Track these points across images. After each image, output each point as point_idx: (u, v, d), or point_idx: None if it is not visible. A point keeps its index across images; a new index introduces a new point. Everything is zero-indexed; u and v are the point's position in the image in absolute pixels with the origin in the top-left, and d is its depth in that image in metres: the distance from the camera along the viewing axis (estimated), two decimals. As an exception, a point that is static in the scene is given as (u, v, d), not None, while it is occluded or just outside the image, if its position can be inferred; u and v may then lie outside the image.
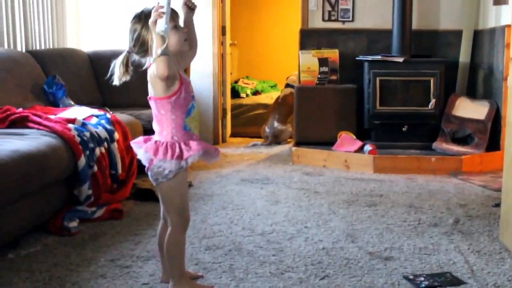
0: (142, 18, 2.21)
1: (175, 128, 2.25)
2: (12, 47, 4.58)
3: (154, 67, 2.14)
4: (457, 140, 5.20)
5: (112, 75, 2.26)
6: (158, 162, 2.24)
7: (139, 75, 2.30)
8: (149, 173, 2.30)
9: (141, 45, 2.22)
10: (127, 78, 2.25)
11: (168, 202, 2.32)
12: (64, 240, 3.07)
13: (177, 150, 2.23)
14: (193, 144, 2.25)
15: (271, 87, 8.32)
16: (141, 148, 2.30)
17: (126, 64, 2.24)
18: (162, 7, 2.08)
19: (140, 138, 2.35)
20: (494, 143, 5.07)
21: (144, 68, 2.29)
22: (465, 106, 5.31)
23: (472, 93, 5.57)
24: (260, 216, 3.57)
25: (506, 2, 4.89)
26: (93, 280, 2.55)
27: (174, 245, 2.34)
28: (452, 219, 3.50)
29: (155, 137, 2.30)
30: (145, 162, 2.30)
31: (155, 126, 2.31)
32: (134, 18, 2.24)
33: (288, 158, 5.46)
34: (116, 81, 2.26)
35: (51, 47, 5.20)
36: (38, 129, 3.40)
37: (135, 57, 2.27)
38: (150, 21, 2.09)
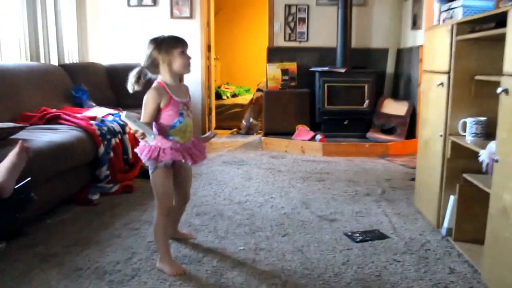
0: (158, 42, 2.08)
1: (160, 136, 2.13)
2: (48, 61, 4.50)
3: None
4: (385, 131, 5.26)
5: (127, 83, 2.11)
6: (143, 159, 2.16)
7: (147, 81, 2.17)
8: None
9: (152, 64, 2.10)
10: (139, 88, 2.09)
11: (153, 189, 2.19)
12: (88, 209, 3.06)
13: (155, 154, 2.12)
14: (169, 151, 2.12)
15: (246, 91, 8.27)
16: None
17: (138, 76, 2.09)
18: (136, 131, 1.93)
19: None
20: (411, 133, 5.13)
21: (152, 79, 2.16)
22: (391, 105, 5.37)
23: (395, 96, 5.63)
24: (237, 189, 3.58)
25: (420, 27, 4.95)
26: (111, 240, 2.56)
27: (156, 226, 2.19)
28: (380, 190, 3.56)
29: None
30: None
31: None
32: (151, 40, 2.10)
33: (258, 145, 5.46)
34: (129, 88, 2.10)
35: (78, 61, 5.11)
36: (68, 125, 3.37)
37: (148, 72, 2.13)
38: (141, 139, 2.01)
